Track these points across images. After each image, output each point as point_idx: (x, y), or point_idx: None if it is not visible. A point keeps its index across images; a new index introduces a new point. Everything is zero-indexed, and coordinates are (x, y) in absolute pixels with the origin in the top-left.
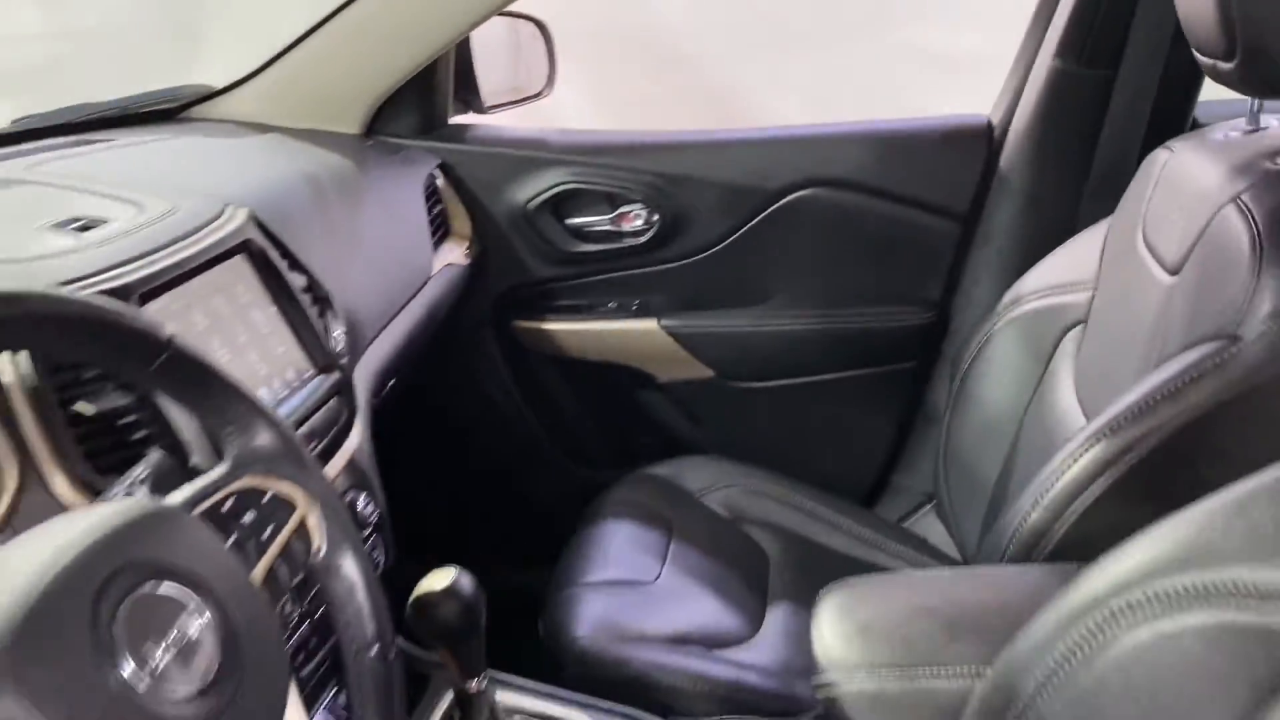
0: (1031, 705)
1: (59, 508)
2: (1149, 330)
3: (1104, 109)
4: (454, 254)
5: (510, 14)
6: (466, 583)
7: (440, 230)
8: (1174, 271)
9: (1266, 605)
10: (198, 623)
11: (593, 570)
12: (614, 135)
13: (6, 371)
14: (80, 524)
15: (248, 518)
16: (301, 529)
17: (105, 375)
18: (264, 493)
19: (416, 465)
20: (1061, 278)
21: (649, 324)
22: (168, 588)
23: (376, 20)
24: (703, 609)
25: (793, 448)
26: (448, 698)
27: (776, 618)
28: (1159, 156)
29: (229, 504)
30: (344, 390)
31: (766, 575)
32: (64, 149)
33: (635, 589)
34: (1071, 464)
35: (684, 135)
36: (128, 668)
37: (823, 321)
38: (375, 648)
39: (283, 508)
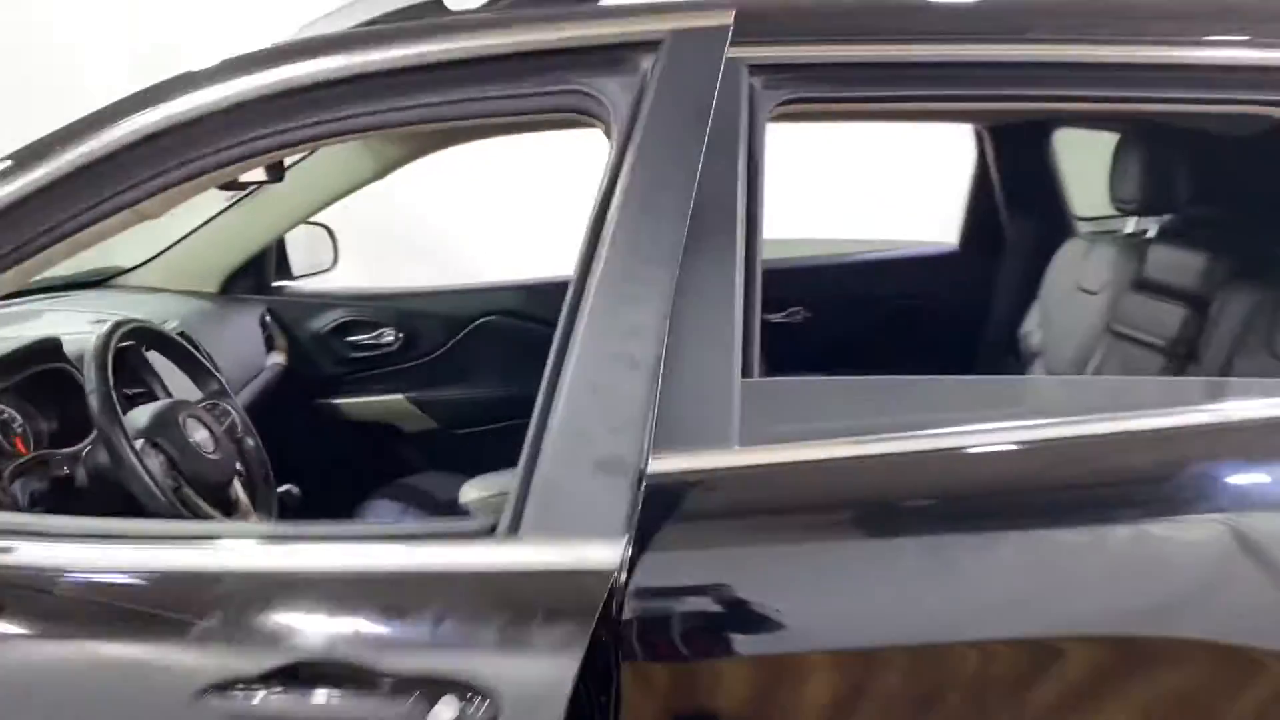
0: None
1: None
2: None
3: None
4: (277, 358)
5: (310, 222)
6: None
7: (269, 344)
8: None
9: None
10: (204, 434)
11: None
12: (372, 288)
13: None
14: (158, 404)
15: (215, 414)
16: (233, 422)
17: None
18: (217, 404)
19: None
20: None
21: (397, 397)
22: (193, 423)
23: (222, 232)
24: None
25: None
26: None
27: None
28: None
29: (205, 407)
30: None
31: None
32: (49, 300)
33: None
34: None
35: (414, 287)
36: (192, 439)
37: (497, 392)
38: (262, 463)
39: (225, 412)
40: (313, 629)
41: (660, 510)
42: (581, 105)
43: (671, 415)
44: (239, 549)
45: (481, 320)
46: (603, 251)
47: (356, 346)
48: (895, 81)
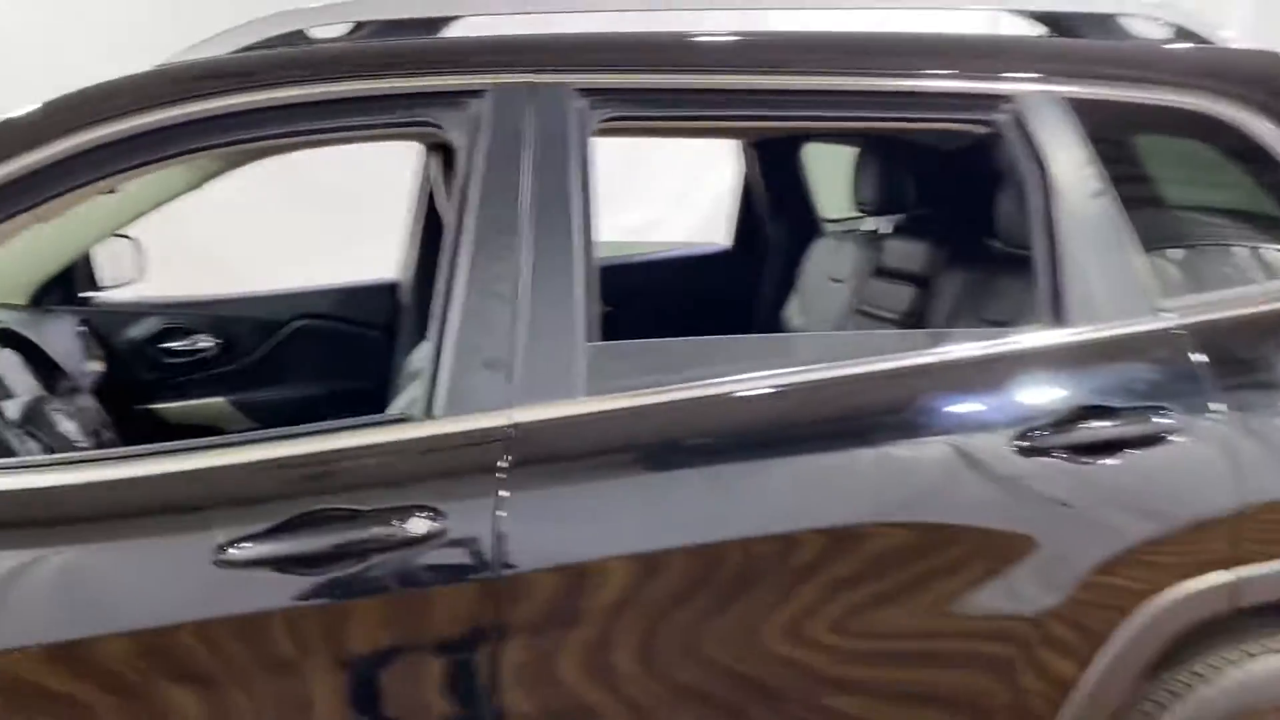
0: None
1: None
2: None
3: None
4: (95, 366)
5: (116, 234)
6: None
7: (86, 354)
8: None
9: None
10: (70, 425)
11: None
12: (186, 296)
13: None
14: (26, 398)
15: (75, 407)
16: (91, 415)
17: None
18: (74, 400)
19: None
20: None
21: (218, 400)
22: (59, 415)
23: (29, 244)
24: None
25: None
26: None
27: None
28: None
29: (65, 401)
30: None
31: None
32: None
33: None
34: None
35: (229, 294)
36: (60, 429)
37: (316, 391)
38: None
39: (82, 407)
40: (309, 492)
41: (524, 451)
42: (434, 130)
43: (531, 373)
44: (239, 449)
45: (298, 324)
46: (469, 226)
47: (173, 353)
48: (687, 104)
